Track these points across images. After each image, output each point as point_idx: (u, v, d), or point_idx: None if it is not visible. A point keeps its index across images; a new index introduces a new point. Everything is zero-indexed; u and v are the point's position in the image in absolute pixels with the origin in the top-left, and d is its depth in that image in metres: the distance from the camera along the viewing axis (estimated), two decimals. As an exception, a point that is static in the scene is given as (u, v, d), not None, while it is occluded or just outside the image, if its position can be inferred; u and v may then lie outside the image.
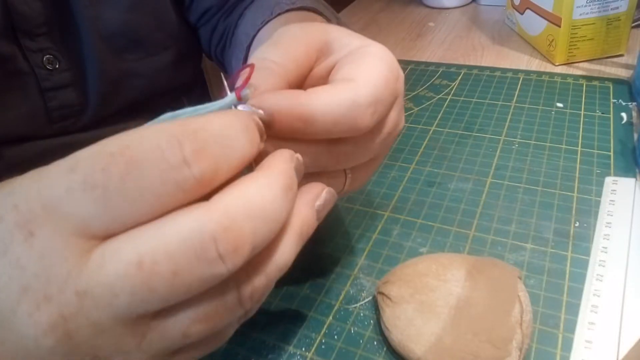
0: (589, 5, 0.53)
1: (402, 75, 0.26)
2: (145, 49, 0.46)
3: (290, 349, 0.29)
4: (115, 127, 0.46)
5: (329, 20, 0.48)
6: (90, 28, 0.41)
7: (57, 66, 0.40)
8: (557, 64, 0.57)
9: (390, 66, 0.24)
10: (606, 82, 0.51)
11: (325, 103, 0.21)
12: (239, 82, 0.21)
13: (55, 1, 0.40)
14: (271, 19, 0.45)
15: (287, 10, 0.46)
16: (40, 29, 0.39)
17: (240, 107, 0.21)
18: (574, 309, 0.29)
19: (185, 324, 0.18)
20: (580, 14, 0.53)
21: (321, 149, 0.23)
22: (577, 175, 0.39)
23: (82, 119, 0.43)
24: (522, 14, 0.63)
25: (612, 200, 0.36)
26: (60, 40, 0.41)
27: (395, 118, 0.26)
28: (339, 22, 0.53)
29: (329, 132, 0.22)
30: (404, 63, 0.61)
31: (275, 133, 0.21)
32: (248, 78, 0.21)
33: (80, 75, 0.42)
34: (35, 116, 0.40)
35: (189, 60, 0.54)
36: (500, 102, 0.51)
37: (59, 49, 0.40)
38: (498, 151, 0.43)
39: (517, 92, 0.52)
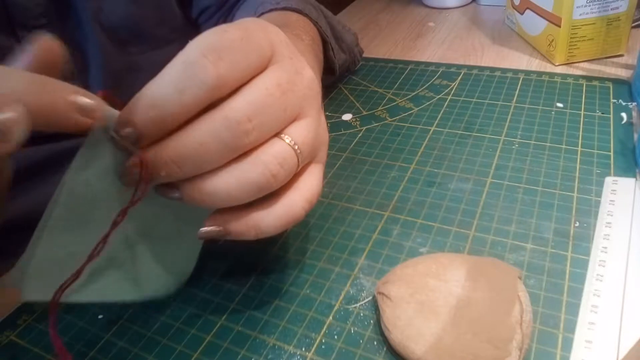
0: (589, 5, 0.53)
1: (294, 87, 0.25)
2: (149, 43, 0.46)
3: (290, 349, 0.29)
4: None
5: (312, 21, 0.48)
6: (92, 20, 0.41)
7: None
8: (557, 64, 0.57)
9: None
10: (606, 82, 0.51)
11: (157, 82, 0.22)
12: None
13: None
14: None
15: (270, 10, 0.46)
16: (39, 21, 0.38)
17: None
18: (574, 309, 0.29)
19: None
20: (580, 14, 0.53)
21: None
22: (577, 175, 0.39)
23: None
24: (522, 14, 0.63)
25: (612, 200, 0.36)
26: (60, 32, 0.40)
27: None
28: (328, 20, 0.53)
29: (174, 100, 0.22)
30: (403, 63, 0.61)
31: (140, 128, 0.22)
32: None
33: (82, 69, 0.42)
34: None
35: None
36: (500, 102, 0.51)
37: (59, 41, 0.40)
38: (498, 151, 0.43)
39: (517, 92, 0.52)
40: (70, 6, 0.40)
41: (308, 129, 0.26)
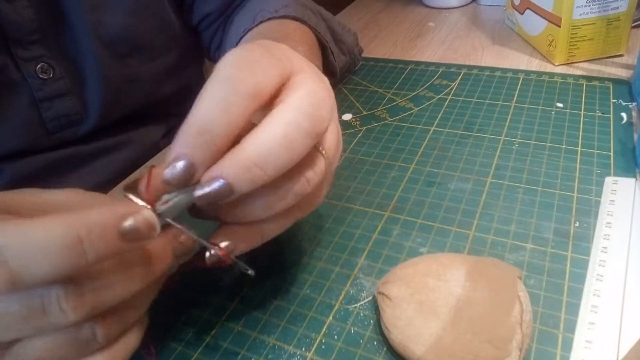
0: (589, 5, 0.53)
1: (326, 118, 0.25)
2: (148, 53, 0.46)
3: (290, 349, 0.29)
4: (117, 137, 0.45)
5: (312, 28, 0.48)
6: (90, 34, 0.40)
7: (51, 75, 0.39)
8: (557, 64, 0.57)
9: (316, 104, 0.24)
10: (606, 82, 0.51)
11: (260, 139, 0.22)
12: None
13: (49, 7, 0.39)
14: (252, 28, 0.45)
15: (269, 19, 0.46)
16: (33, 36, 0.38)
17: (165, 220, 0.23)
18: (574, 309, 0.29)
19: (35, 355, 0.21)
20: (580, 14, 0.53)
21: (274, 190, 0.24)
22: (577, 175, 0.39)
23: (81, 128, 0.42)
24: (522, 14, 0.63)
25: (612, 200, 0.36)
26: (55, 47, 0.40)
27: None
28: (328, 24, 0.53)
29: (284, 161, 0.22)
30: (403, 63, 0.61)
31: (239, 193, 0.22)
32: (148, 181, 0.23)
33: (79, 83, 0.41)
34: (31, 128, 0.39)
35: (191, 63, 0.54)
36: (500, 102, 0.51)
37: (54, 56, 0.39)
38: (498, 151, 0.43)
39: (517, 92, 0.52)
40: (65, 20, 0.40)
41: (334, 132, 0.26)
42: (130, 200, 0.23)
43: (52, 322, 0.20)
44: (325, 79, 0.26)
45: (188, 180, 0.21)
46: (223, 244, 0.25)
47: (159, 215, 0.22)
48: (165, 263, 0.24)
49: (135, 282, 0.22)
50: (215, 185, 0.21)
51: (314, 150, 0.24)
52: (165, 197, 0.23)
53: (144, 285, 0.23)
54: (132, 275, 0.22)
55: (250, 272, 0.25)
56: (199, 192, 0.21)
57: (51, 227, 0.19)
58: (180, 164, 0.21)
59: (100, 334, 0.22)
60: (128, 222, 0.20)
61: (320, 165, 0.25)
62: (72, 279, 0.20)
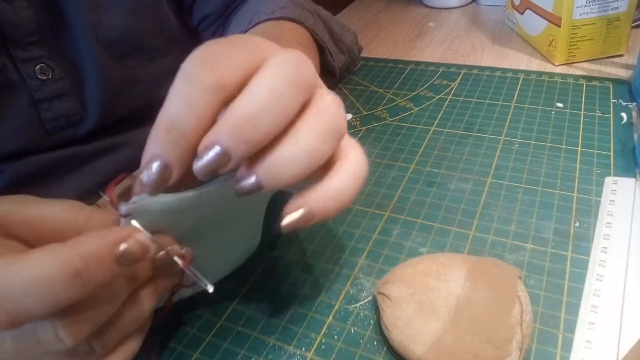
0: (589, 5, 0.53)
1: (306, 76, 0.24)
2: (147, 55, 0.45)
3: (290, 349, 0.29)
4: (116, 138, 0.45)
5: (308, 29, 0.48)
6: (90, 35, 0.40)
7: (50, 75, 0.39)
8: (557, 64, 0.57)
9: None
10: (606, 82, 0.51)
11: (247, 98, 0.22)
12: (119, 192, 0.23)
13: (48, 7, 0.38)
14: (248, 29, 0.45)
15: (265, 20, 0.46)
16: (32, 37, 0.38)
17: (129, 222, 0.23)
18: (574, 309, 0.29)
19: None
20: (580, 14, 0.53)
21: None
22: (577, 175, 0.39)
23: (81, 129, 0.42)
24: (522, 14, 0.63)
25: (612, 200, 0.36)
26: (54, 48, 0.39)
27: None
28: (327, 24, 0.53)
29: (276, 114, 0.22)
30: (403, 63, 0.61)
31: (238, 157, 0.21)
32: (126, 190, 0.23)
33: (78, 84, 0.41)
34: (30, 129, 0.39)
35: None
36: (500, 102, 0.51)
37: (53, 57, 0.39)
38: (498, 151, 0.43)
39: (517, 92, 0.52)
40: (65, 21, 0.40)
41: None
42: (112, 209, 0.23)
43: (48, 351, 0.21)
44: (302, 53, 0.26)
45: (165, 181, 0.21)
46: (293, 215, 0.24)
47: (125, 216, 0.23)
48: (146, 273, 0.24)
49: (121, 295, 0.23)
50: (211, 153, 0.21)
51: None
52: (135, 198, 0.23)
53: (126, 296, 0.23)
54: (116, 291, 0.23)
55: (209, 287, 0.24)
56: (197, 164, 0.21)
57: (46, 262, 0.19)
58: (155, 165, 0.21)
59: (97, 346, 0.23)
60: (122, 248, 0.21)
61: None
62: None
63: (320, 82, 0.25)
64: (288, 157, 0.22)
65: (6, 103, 0.38)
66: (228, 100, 0.22)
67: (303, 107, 0.23)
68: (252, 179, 0.22)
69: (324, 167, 0.24)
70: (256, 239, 0.32)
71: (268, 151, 0.22)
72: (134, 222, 0.23)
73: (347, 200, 0.24)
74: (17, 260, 0.19)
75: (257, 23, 0.45)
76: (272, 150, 0.22)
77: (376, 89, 0.56)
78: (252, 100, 0.21)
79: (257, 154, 0.22)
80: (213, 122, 0.22)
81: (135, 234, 0.21)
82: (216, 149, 0.21)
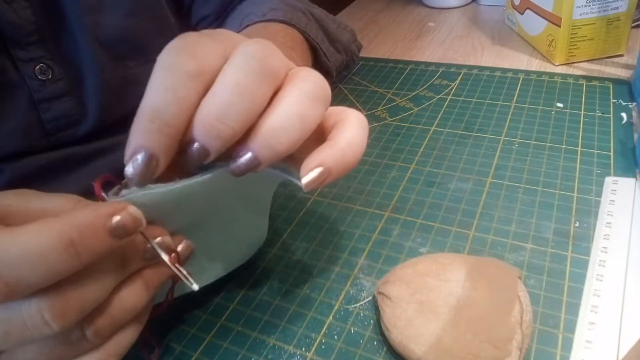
0: (589, 5, 0.53)
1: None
2: (146, 55, 0.45)
3: (290, 349, 0.29)
4: (115, 138, 0.45)
5: (300, 30, 0.48)
6: (89, 35, 0.40)
7: (49, 76, 0.39)
8: (557, 64, 0.57)
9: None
10: (606, 82, 0.51)
11: (214, 96, 0.22)
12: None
13: (48, 7, 0.38)
14: (239, 31, 0.45)
15: (255, 22, 0.46)
16: (32, 37, 0.38)
17: (121, 194, 0.23)
18: (574, 309, 0.29)
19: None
20: (580, 14, 0.53)
21: None
22: (577, 175, 0.39)
23: (80, 129, 0.42)
24: (522, 14, 0.63)
25: (612, 200, 0.36)
26: (54, 48, 0.39)
27: None
28: (321, 24, 0.53)
29: (244, 109, 0.22)
30: (403, 63, 0.61)
31: (215, 152, 0.22)
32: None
33: (78, 84, 0.41)
34: (30, 129, 0.39)
35: None
36: (500, 102, 0.51)
37: (53, 57, 0.39)
38: (498, 151, 0.43)
39: (517, 92, 0.52)
40: (64, 21, 0.40)
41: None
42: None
43: (35, 335, 0.20)
44: (268, 42, 0.26)
45: (152, 172, 0.21)
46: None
47: None
48: (136, 261, 0.24)
49: (108, 280, 0.23)
50: (192, 149, 0.22)
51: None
52: (124, 191, 0.23)
53: (116, 282, 0.23)
54: (104, 275, 0.23)
55: (195, 286, 0.24)
56: (182, 158, 0.22)
57: (42, 232, 0.19)
58: (140, 156, 0.21)
59: (90, 334, 0.22)
60: (115, 220, 0.21)
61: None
62: (53, 286, 0.20)
63: (292, 64, 0.26)
64: (279, 124, 0.22)
65: (6, 103, 0.38)
66: (207, 87, 0.22)
67: (278, 89, 0.23)
68: (247, 155, 0.22)
69: (322, 138, 0.25)
70: (263, 229, 0.32)
71: (258, 125, 0.22)
72: None
73: (359, 151, 0.25)
74: (13, 230, 0.19)
75: (247, 25, 0.46)
76: (262, 122, 0.22)
77: (376, 89, 0.56)
78: (219, 98, 0.22)
79: (247, 132, 0.22)
80: (195, 109, 0.22)
81: (127, 207, 0.21)
82: (195, 145, 0.22)
